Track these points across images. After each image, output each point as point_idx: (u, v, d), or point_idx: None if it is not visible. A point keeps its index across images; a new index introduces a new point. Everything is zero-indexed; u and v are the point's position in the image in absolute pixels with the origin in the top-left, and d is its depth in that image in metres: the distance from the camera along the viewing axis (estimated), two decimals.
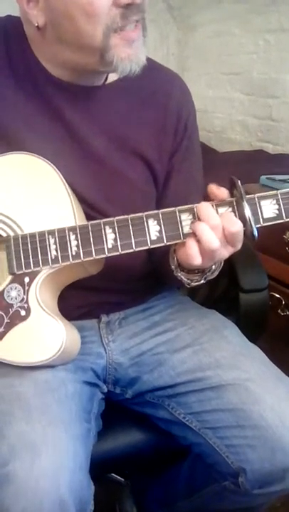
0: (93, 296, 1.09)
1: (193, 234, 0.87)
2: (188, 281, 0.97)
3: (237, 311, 1.23)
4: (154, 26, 3.36)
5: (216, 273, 0.96)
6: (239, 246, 0.89)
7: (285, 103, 2.64)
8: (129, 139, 1.05)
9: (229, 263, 1.25)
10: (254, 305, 1.24)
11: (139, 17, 0.91)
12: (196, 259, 0.88)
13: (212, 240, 0.85)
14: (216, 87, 3.15)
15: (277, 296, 1.79)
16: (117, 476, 1.38)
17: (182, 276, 0.97)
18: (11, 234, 0.94)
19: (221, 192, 0.88)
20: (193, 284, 0.98)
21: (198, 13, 3.23)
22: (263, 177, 1.98)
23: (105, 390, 1.09)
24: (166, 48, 3.45)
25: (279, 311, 1.80)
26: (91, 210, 1.01)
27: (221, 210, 0.87)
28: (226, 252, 0.89)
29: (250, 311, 1.23)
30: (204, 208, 0.87)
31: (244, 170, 2.14)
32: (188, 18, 3.33)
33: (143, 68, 0.94)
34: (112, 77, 1.04)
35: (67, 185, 0.94)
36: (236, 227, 0.86)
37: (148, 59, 1.06)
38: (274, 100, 2.70)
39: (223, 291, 1.33)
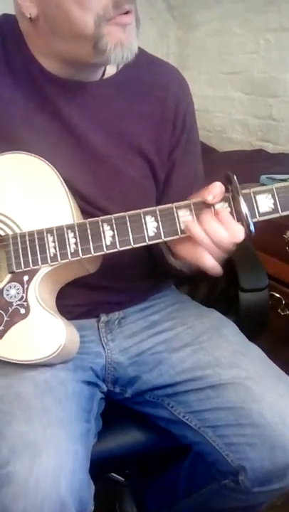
0: (93, 296, 1.09)
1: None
2: (181, 265, 0.99)
3: (237, 310, 1.23)
4: (153, 25, 3.36)
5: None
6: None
7: (285, 102, 2.63)
8: (127, 134, 1.05)
9: (229, 262, 1.25)
10: (254, 304, 1.24)
11: (132, 6, 0.91)
12: (216, 268, 0.90)
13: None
14: (216, 86, 3.14)
15: (277, 295, 1.79)
16: (117, 476, 1.38)
17: (173, 260, 0.99)
18: (10, 233, 0.94)
19: (211, 190, 0.88)
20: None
21: (198, 12, 3.23)
22: (263, 176, 1.98)
23: (105, 390, 1.09)
24: (166, 47, 3.44)
25: (279, 310, 1.79)
26: (90, 206, 1.02)
27: (218, 205, 0.88)
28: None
29: (250, 311, 1.23)
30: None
31: (244, 169, 2.14)
32: (188, 17, 3.33)
33: (136, 57, 0.93)
34: (110, 72, 1.04)
35: (64, 183, 0.94)
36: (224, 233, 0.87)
37: (146, 53, 1.07)
38: (274, 100, 2.70)
39: (222, 291, 1.33)
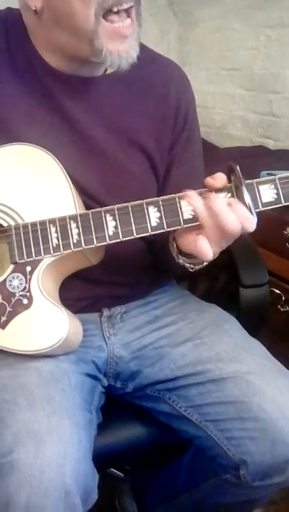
0: (95, 289, 1.09)
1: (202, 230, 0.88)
2: (191, 266, 0.97)
3: (237, 306, 1.23)
4: (154, 22, 3.35)
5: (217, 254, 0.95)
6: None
7: (285, 99, 2.63)
8: (129, 129, 1.05)
9: (230, 258, 1.25)
10: (254, 300, 1.24)
11: None
12: (209, 255, 0.88)
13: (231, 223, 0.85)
14: (217, 82, 3.14)
15: (278, 291, 1.79)
16: (116, 472, 1.38)
17: (184, 262, 0.97)
18: (12, 224, 0.94)
19: (217, 181, 0.88)
20: (197, 267, 0.98)
21: (199, 9, 3.22)
22: (264, 172, 1.97)
23: (106, 384, 1.09)
24: (167, 44, 3.43)
25: (279, 306, 1.80)
26: (91, 200, 1.01)
27: (220, 195, 0.88)
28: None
29: (250, 307, 1.23)
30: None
31: (245, 165, 2.12)
32: (189, 14, 3.32)
33: (133, 64, 0.94)
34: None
35: (66, 174, 0.94)
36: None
37: (148, 49, 1.07)
38: (275, 96, 2.69)
39: (223, 286, 1.33)
